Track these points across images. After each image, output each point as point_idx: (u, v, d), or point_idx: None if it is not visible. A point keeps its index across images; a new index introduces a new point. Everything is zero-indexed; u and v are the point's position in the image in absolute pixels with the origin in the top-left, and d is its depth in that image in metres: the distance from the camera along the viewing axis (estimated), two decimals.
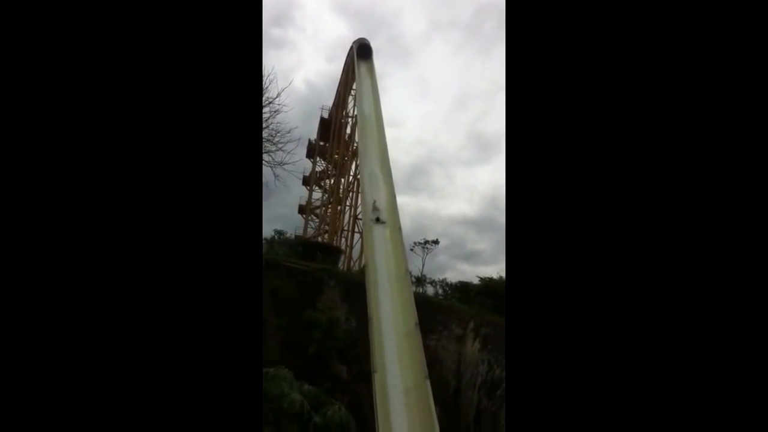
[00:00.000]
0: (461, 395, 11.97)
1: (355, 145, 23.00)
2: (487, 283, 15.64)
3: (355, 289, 13.38)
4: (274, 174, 11.05)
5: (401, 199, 17.22)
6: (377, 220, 15.14)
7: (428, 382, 10.22)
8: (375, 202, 15.95)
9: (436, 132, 52.89)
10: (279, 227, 22.24)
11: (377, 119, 21.07)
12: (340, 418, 7.74)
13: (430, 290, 16.83)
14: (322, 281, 13.78)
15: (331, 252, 18.24)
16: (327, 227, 25.37)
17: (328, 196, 27.26)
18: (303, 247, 17.79)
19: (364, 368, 11.26)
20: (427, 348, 11.42)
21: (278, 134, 10.98)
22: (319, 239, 24.17)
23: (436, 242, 17.94)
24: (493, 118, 49.62)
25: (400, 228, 14.85)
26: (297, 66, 49.69)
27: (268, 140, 10.85)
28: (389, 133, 20.99)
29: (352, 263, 20.51)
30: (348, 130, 26.61)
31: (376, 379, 10.43)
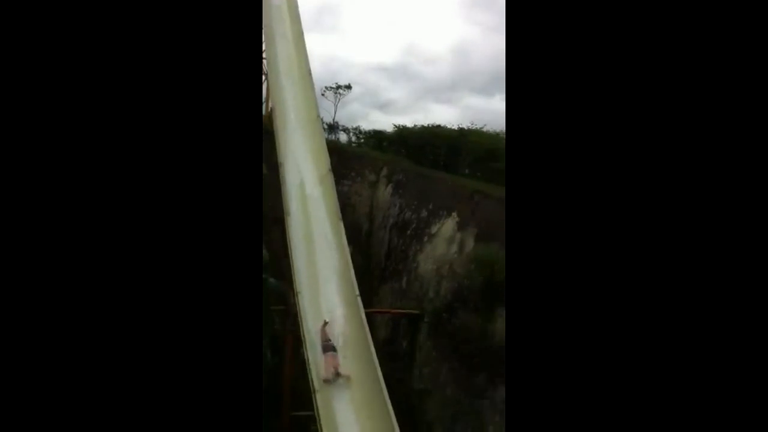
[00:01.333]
0: (373, 236, 13.07)
1: None
2: (401, 131, 16.16)
3: (264, 136, 13.23)
4: None
5: (308, 38, 14.56)
6: (337, 375, 8.34)
7: (341, 224, 10.99)
8: (325, 323, 8.99)
9: None
10: None
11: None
12: None
13: (343, 138, 17.10)
14: None
15: None
16: None
17: None
18: None
19: (276, 214, 11.72)
20: (340, 194, 12.01)
21: None
22: None
23: (348, 87, 17.72)
24: None
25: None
26: None
27: None
28: None
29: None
30: None
31: (289, 222, 10.99)
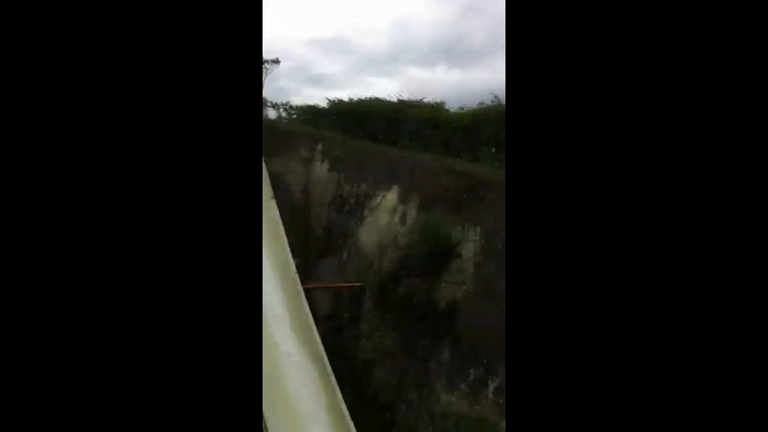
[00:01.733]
0: (310, 213, 12.70)
1: None
2: (337, 106, 15.69)
3: None
4: None
5: None
6: None
7: (274, 202, 10.53)
8: None
9: None
10: None
11: None
12: None
13: (272, 114, 16.32)
14: None
15: None
16: None
17: None
18: None
19: None
20: (272, 172, 11.53)
21: None
22: None
23: (276, 62, 16.87)
24: None
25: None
26: None
27: None
28: None
29: None
30: None
31: None
